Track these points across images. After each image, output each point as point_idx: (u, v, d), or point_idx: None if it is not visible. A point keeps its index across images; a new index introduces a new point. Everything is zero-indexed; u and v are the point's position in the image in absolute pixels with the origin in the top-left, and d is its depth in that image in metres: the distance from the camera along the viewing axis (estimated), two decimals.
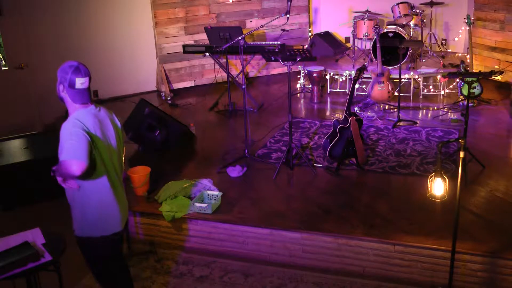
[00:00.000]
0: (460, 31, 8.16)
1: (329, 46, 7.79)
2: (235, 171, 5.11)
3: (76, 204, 2.98)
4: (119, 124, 3.12)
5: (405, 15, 7.34)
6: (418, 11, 7.53)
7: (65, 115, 2.97)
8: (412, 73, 7.11)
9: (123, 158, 3.16)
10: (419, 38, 7.86)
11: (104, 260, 3.12)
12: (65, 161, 2.76)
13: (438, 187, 3.31)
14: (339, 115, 6.58)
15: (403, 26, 7.37)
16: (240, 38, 5.23)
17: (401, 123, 6.20)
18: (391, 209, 4.39)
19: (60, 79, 2.87)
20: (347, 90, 7.44)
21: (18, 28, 6.77)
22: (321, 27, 8.55)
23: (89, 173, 2.83)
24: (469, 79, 4.77)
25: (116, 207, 3.03)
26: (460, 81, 6.56)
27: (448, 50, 8.26)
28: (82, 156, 2.74)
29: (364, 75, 6.40)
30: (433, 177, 3.31)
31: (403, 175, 4.98)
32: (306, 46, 8.35)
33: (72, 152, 2.75)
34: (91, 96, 2.96)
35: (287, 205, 4.56)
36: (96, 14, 7.31)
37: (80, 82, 2.84)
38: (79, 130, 2.78)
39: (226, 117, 6.80)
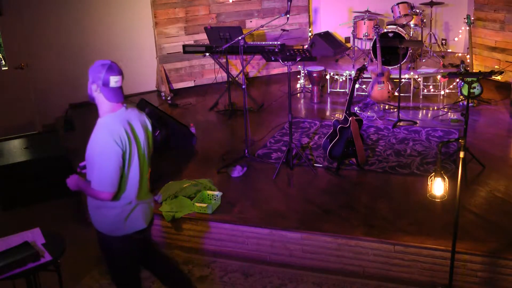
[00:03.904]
0: (460, 31, 8.16)
1: (329, 46, 7.79)
2: (235, 171, 5.11)
3: (98, 203, 2.95)
4: (149, 125, 3.10)
5: (405, 15, 7.34)
6: (418, 11, 7.52)
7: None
8: (412, 73, 7.11)
9: (149, 159, 3.12)
10: (419, 38, 7.86)
11: (123, 258, 3.11)
12: (95, 190, 2.80)
13: (438, 187, 3.31)
14: (339, 115, 6.58)
15: (403, 26, 7.37)
16: (240, 38, 5.23)
17: (401, 123, 6.20)
18: (391, 209, 4.39)
19: (93, 78, 2.84)
20: (347, 90, 7.44)
21: (18, 28, 6.77)
22: (321, 27, 8.55)
23: (118, 192, 2.86)
24: (469, 79, 4.77)
25: (140, 208, 3.02)
26: (460, 81, 6.56)
27: (448, 50, 8.26)
28: (113, 186, 2.79)
29: (364, 75, 6.40)
30: (433, 177, 3.31)
31: (403, 175, 4.98)
32: (306, 46, 8.35)
33: (103, 183, 2.78)
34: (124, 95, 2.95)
35: (287, 205, 4.57)
36: (96, 14, 7.31)
37: (115, 80, 2.84)
38: (111, 147, 2.76)
39: (226, 117, 6.80)
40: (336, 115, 6.64)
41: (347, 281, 3.98)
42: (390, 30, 7.10)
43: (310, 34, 8.70)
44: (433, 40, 8.00)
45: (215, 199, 4.53)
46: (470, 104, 5.82)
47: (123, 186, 2.89)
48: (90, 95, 2.91)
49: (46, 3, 6.94)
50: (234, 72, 7.99)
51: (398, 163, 5.22)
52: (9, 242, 3.29)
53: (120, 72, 2.87)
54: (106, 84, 2.82)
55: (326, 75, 7.45)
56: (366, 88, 7.18)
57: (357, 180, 5.00)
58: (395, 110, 6.42)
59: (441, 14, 8.22)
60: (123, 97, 2.92)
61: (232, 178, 5.05)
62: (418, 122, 6.29)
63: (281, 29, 7.84)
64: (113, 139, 2.77)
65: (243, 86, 5.31)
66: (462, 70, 6.58)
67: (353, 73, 7.17)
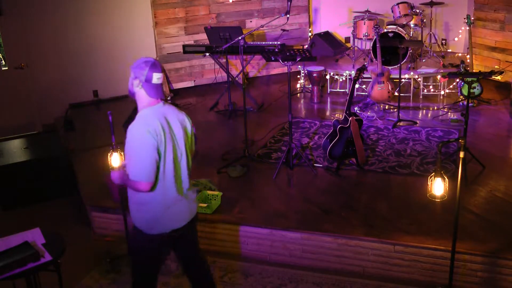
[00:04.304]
0: (460, 31, 8.16)
1: (329, 46, 7.79)
2: (235, 171, 5.11)
3: (135, 200, 3.01)
4: (189, 124, 3.14)
5: (405, 15, 7.34)
6: (418, 11, 7.52)
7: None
8: (412, 73, 7.11)
9: (190, 158, 3.16)
10: (419, 38, 7.86)
11: (146, 256, 3.14)
12: (132, 181, 2.86)
13: (438, 187, 3.31)
14: (339, 115, 6.58)
15: (403, 26, 7.37)
16: (240, 38, 5.24)
17: (401, 123, 6.20)
18: (391, 209, 4.39)
19: (136, 74, 2.92)
20: (347, 90, 7.44)
21: (18, 28, 6.77)
22: (321, 27, 8.55)
23: (155, 184, 2.91)
24: (469, 79, 4.77)
25: (176, 207, 3.04)
26: (460, 81, 6.56)
27: (448, 50, 8.26)
28: (149, 176, 2.85)
29: (364, 75, 6.40)
30: (433, 177, 3.31)
31: (403, 175, 4.99)
32: (306, 46, 8.35)
33: (140, 173, 2.84)
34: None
35: (287, 205, 4.57)
36: (96, 14, 7.31)
37: (157, 77, 2.92)
38: (146, 139, 2.81)
39: (226, 117, 6.79)
40: (336, 115, 6.64)
41: (347, 281, 3.98)
42: (390, 30, 7.10)
43: (310, 34, 8.70)
44: (433, 40, 8.00)
45: (215, 199, 4.53)
46: (470, 104, 5.82)
47: (160, 181, 2.93)
48: (130, 91, 3.00)
49: (46, 3, 6.94)
50: (234, 72, 7.98)
51: (398, 163, 5.22)
52: (9, 242, 3.29)
53: (162, 70, 2.96)
54: (148, 80, 2.90)
55: (326, 75, 7.45)
56: (366, 88, 7.18)
57: (357, 180, 5.00)
58: (395, 110, 6.42)
59: (441, 14, 8.22)
60: (163, 94, 3.00)
61: (232, 178, 5.05)
62: (418, 122, 6.29)
63: (281, 29, 7.84)
64: (147, 131, 2.83)
65: (243, 86, 5.32)
66: (462, 70, 6.57)
67: (353, 73, 7.17)
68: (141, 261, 3.18)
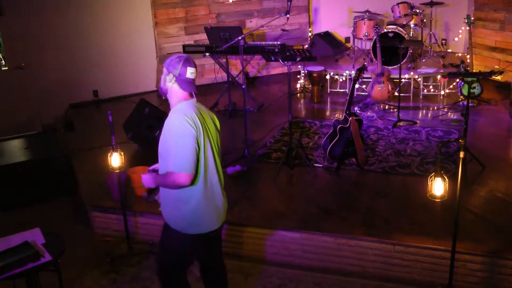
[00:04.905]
0: (460, 31, 8.16)
1: (329, 46, 7.79)
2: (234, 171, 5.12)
3: (175, 198, 2.98)
4: (217, 121, 3.17)
5: (405, 15, 7.34)
6: (418, 11, 7.53)
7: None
8: (412, 73, 7.11)
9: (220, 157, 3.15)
10: (419, 38, 7.86)
11: (179, 256, 3.15)
12: (173, 174, 2.82)
13: (438, 187, 3.31)
14: (339, 115, 6.58)
15: (403, 26, 7.37)
16: (240, 38, 5.24)
17: (401, 123, 6.20)
18: (391, 209, 4.39)
19: (169, 70, 2.95)
20: (347, 90, 7.44)
21: (18, 28, 6.77)
22: (321, 27, 8.55)
23: (196, 177, 2.90)
24: (469, 79, 4.77)
25: (214, 206, 3.03)
26: (460, 81, 6.56)
27: (448, 50, 8.26)
28: (190, 167, 2.82)
29: (364, 75, 6.40)
30: (433, 177, 3.31)
31: (403, 175, 4.98)
32: (306, 46, 8.35)
33: (180, 163, 2.81)
34: None
35: (287, 205, 4.57)
36: (96, 14, 7.31)
37: (190, 72, 2.95)
38: (186, 128, 2.83)
39: (226, 117, 6.79)
40: (336, 115, 6.64)
41: (347, 281, 3.98)
42: (390, 30, 7.10)
43: (310, 34, 8.70)
44: (433, 40, 8.00)
45: None
46: (470, 104, 5.81)
47: (201, 174, 2.92)
48: (162, 88, 3.02)
49: (46, 3, 6.94)
50: (234, 72, 7.98)
51: (398, 163, 5.22)
52: (9, 242, 3.29)
53: (195, 65, 2.99)
54: (182, 74, 2.93)
55: (326, 75, 7.45)
56: (366, 88, 7.18)
57: (357, 180, 5.00)
58: (395, 110, 6.42)
59: (441, 14, 8.22)
60: (195, 89, 3.00)
61: (232, 178, 5.05)
62: (418, 122, 6.29)
63: (281, 29, 7.84)
64: (187, 120, 2.85)
65: (243, 86, 5.32)
66: (462, 70, 6.58)
67: (353, 73, 7.17)
68: (174, 263, 3.17)
